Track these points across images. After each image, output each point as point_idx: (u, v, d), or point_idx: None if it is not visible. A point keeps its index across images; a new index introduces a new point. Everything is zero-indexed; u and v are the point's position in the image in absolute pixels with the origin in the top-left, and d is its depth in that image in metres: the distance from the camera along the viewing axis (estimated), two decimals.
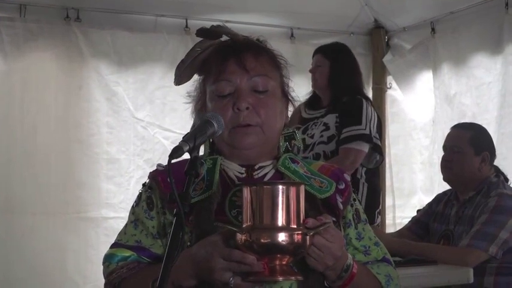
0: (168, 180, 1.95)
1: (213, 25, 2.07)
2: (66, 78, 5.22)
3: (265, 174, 2.03)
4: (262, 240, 1.70)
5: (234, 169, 2.02)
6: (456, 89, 5.41)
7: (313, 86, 4.71)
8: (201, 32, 2.07)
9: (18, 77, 5.07)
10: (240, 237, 1.72)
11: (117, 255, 2.02)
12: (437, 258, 3.71)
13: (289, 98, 2.11)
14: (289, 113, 2.14)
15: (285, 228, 1.72)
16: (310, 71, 4.70)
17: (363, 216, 2.12)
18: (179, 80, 2.11)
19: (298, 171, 2.03)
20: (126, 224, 2.08)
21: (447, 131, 4.24)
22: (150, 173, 2.07)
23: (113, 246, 2.07)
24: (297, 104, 2.16)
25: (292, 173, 2.02)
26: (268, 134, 2.00)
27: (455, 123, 4.44)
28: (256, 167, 2.03)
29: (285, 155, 2.06)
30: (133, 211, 2.08)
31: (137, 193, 2.09)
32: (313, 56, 4.75)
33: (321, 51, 4.74)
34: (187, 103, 2.12)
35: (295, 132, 2.11)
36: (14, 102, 5.06)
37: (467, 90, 5.32)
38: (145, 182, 2.08)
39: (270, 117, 1.99)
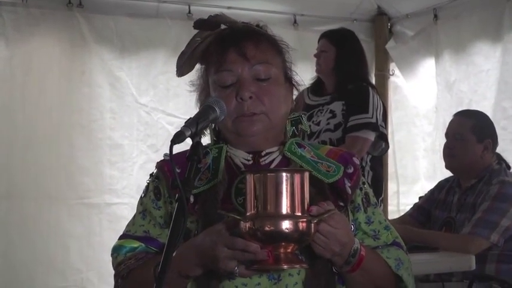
0: (176, 170, 1.96)
1: (210, 15, 2.06)
2: (68, 63, 5.22)
3: (273, 161, 2.02)
4: (266, 228, 1.70)
5: (241, 156, 2.02)
6: (456, 76, 5.41)
7: (317, 71, 4.68)
8: (199, 23, 2.07)
9: (20, 62, 5.06)
10: (244, 225, 1.72)
11: (126, 246, 2.03)
12: (440, 245, 3.71)
13: (293, 82, 2.09)
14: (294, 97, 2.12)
15: (289, 216, 1.71)
16: (315, 55, 4.67)
17: (373, 199, 2.10)
18: (181, 71, 2.09)
19: (304, 156, 2.01)
20: (135, 215, 2.08)
21: (448, 118, 4.23)
22: (157, 163, 2.07)
23: (121, 237, 2.07)
24: (301, 88, 2.14)
25: (298, 158, 2.00)
26: (273, 120, 1.99)
27: (455, 110, 4.44)
28: (263, 153, 2.02)
29: (291, 140, 2.05)
30: (141, 202, 2.08)
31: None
32: (318, 41, 4.74)
33: (326, 36, 4.71)
34: (191, 91, 2.12)
35: (301, 116, 2.09)
36: (16, 88, 5.06)
37: (466, 77, 5.32)
38: (153, 172, 2.08)
39: (274, 104, 1.98)
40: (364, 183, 2.09)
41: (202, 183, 1.95)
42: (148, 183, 2.08)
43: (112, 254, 2.05)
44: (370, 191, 2.11)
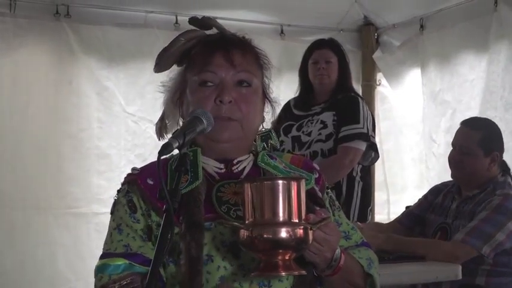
0: (148, 182, 1.97)
1: (204, 16, 2.10)
2: (56, 73, 5.23)
3: (244, 169, 2.05)
4: (264, 236, 1.72)
5: (212, 165, 2.03)
6: (440, 86, 5.44)
7: (322, 81, 4.60)
8: (193, 20, 2.11)
9: (7, 72, 5.07)
10: (243, 233, 1.74)
11: (110, 265, 1.94)
12: (428, 252, 3.67)
13: (268, 98, 2.13)
14: (265, 114, 2.14)
15: (287, 223, 1.73)
16: (321, 66, 4.59)
17: (337, 203, 2.16)
18: (159, 67, 2.13)
19: (278, 166, 2.06)
20: (110, 233, 2.03)
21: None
22: (126, 178, 2.05)
23: (102, 257, 1.99)
24: (276, 105, 2.17)
25: (273, 168, 2.04)
26: (246, 129, 2.01)
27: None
28: (235, 161, 2.04)
29: (262, 152, 2.08)
30: (113, 218, 2.04)
31: None
32: (314, 49, 4.67)
33: (328, 45, 4.68)
34: (160, 92, 2.17)
35: (271, 131, 2.12)
36: (4, 98, 5.06)
37: (451, 87, 5.35)
38: (121, 188, 2.05)
39: (250, 112, 2.01)
40: (327, 187, 2.15)
41: (183, 186, 1.93)
42: (116, 199, 2.05)
43: (96, 275, 1.97)
44: (333, 195, 2.17)
